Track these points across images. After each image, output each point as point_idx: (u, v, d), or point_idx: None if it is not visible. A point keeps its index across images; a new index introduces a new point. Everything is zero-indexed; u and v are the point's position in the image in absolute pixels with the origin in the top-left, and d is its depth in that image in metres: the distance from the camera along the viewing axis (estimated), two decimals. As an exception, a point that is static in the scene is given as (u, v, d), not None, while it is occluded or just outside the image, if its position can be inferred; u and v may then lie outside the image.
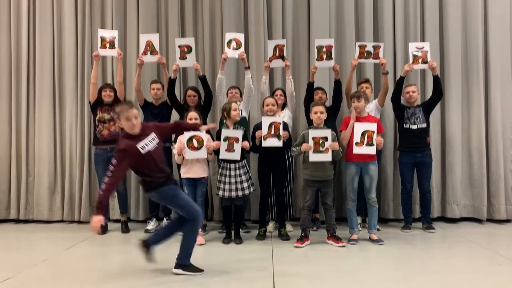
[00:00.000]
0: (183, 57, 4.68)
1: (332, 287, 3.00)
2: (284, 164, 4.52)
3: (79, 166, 5.31)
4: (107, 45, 4.77)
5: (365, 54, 4.67)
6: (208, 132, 4.15)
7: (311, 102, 4.41)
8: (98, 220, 2.82)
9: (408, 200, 4.73)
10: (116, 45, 4.79)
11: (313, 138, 3.95)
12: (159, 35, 4.89)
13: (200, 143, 4.06)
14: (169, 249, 3.56)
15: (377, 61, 4.68)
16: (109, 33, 4.85)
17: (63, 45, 5.44)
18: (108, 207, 4.97)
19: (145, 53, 4.72)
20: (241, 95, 4.82)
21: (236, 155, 4.11)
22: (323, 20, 5.20)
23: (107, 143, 4.73)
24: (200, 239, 4.04)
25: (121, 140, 3.08)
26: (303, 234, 4.09)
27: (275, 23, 5.33)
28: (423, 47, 4.62)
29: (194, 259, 3.30)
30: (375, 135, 4.05)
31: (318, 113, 4.06)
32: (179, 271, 3.23)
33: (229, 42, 4.65)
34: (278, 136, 4.18)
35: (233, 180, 4.18)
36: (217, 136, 4.21)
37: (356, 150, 4.07)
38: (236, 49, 4.65)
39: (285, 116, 4.68)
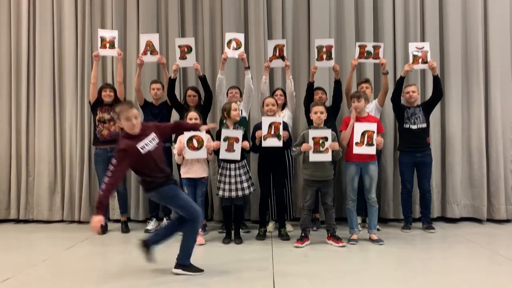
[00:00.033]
0: (183, 57, 4.68)
1: (332, 287, 3.00)
2: (284, 164, 4.52)
3: (79, 166, 5.31)
4: (107, 45, 4.77)
5: (365, 54, 4.67)
6: (208, 132, 4.15)
7: (311, 102, 4.41)
8: (98, 220, 2.82)
9: (408, 200, 4.73)
10: (116, 45, 4.79)
11: (313, 138, 3.95)
12: (159, 35, 4.89)
13: (200, 143, 4.07)
14: (169, 249, 3.56)
15: (377, 61, 4.68)
16: (109, 33, 4.85)
17: (63, 45, 5.44)
18: (108, 207, 4.97)
19: (145, 53, 4.72)
20: (241, 95, 4.82)
21: (236, 155, 4.11)
22: (323, 20, 5.20)
23: (107, 143, 4.73)
24: (200, 239, 4.04)
25: (121, 140, 3.08)
26: (303, 234, 4.09)
27: (275, 23, 5.33)
28: (423, 47, 4.62)
29: (194, 259, 3.29)
30: (375, 135, 4.05)
31: (318, 113, 4.06)
32: (179, 271, 3.23)
33: (229, 42, 4.65)
34: (278, 136, 4.18)
35: (233, 180, 4.18)
36: (217, 136, 4.21)
37: (356, 150, 4.07)
38: (236, 49, 4.65)
39: (285, 116, 4.68)
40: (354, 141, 4.07)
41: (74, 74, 5.40)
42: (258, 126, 4.28)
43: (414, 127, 4.57)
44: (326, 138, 3.95)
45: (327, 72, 5.05)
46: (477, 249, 3.94)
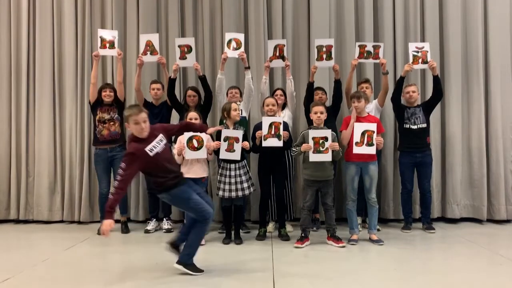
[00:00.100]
0: (183, 57, 4.68)
1: (332, 287, 3.00)
2: (284, 164, 4.52)
3: (79, 166, 5.31)
4: (107, 45, 4.76)
5: (365, 54, 4.67)
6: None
7: (311, 102, 4.41)
8: (108, 223, 2.88)
9: (408, 200, 4.72)
10: (116, 45, 4.79)
11: (313, 138, 3.95)
12: (159, 35, 4.89)
13: (200, 143, 4.06)
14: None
15: (377, 61, 4.68)
16: (109, 33, 4.85)
17: (63, 45, 5.44)
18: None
19: (145, 53, 4.72)
20: (241, 95, 4.82)
21: (236, 155, 4.11)
22: (323, 20, 5.19)
23: (107, 143, 4.73)
24: None
25: (130, 143, 3.12)
26: (303, 235, 4.09)
27: (275, 23, 5.33)
28: (423, 47, 4.62)
29: (194, 259, 3.29)
30: (375, 135, 4.05)
31: (318, 113, 4.06)
32: (180, 267, 3.24)
33: (229, 42, 4.65)
34: (278, 136, 4.18)
35: (233, 180, 4.18)
36: (217, 136, 4.21)
37: (356, 150, 4.06)
38: (236, 49, 4.65)
39: (285, 116, 4.68)
40: (354, 141, 4.07)
41: (74, 74, 5.40)
42: (258, 126, 4.28)
43: (414, 127, 4.57)
44: (326, 138, 3.95)
45: (327, 72, 5.05)
46: (477, 249, 3.94)
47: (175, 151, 4.11)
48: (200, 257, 3.34)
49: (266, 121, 4.19)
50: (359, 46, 4.70)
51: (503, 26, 5.14)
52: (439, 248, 4.08)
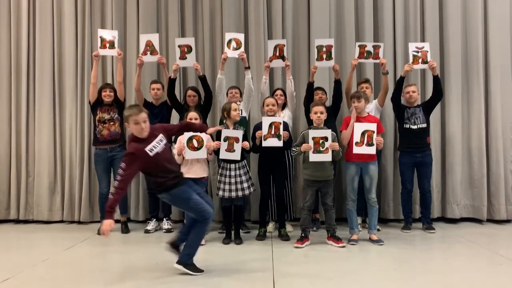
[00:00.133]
0: (183, 57, 4.68)
1: (332, 287, 3.00)
2: (284, 164, 4.52)
3: (79, 166, 5.31)
4: (107, 45, 4.76)
5: (365, 54, 4.67)
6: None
7: (311, 102, 4.41)
8: (109, 223, 2.88)
9: (408, 200, 4.72)
10: (116, 45, 4.79)
11: (313, 138, 3.95)
12: (159, 35, 4.89)
13: (200, 143, 4.06)
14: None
15: (377, 61, 4.68)
16: (109, 33, 4.85)
17: (63, 45, 5.44)
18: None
19: (145, 53, 4.72)
20: (241, 95, 4.82)
21: (236, 155, 4.11)
22: (323, 20, 5.19)
23: (107, 143, 4.73)
24: None
25: (130, 143, 3.12)
26: (303, 235, 4.09)
27: (275, 23, 5.33)
28: (423, 47, 4.62)
29: (194, 259, 3.29)
30: (375, 135, 4.05)
31: (318, 113, 4.06)
32: (180, 267, 3.24)
33: (229, 42, 4.65)
34: (279, 136, 4.18)
35: (233, 180, 4.18)
36: (217, 136, 4.21)
37: (356, 150, 4.06)
38: (236, 49, 4.65)
39: (285, 116, 4.68)
40: (354, 141, 4.07)
41: (74, 74, 5.40)
42: (258, 126, 4.28)
43: (414, 127, 4.57)
44: (326, 138, 3.95)
45: (327, 72, 5.05)
46: (477, 249, 3.94)
47: (175, 151, 4.11)
48: (200, 257, 3.34)
49: (266, 121, 4.19)
50: (359, 46, 4.70)
51: (503, 26, 5.14)
52: (439, 248, 4.08)
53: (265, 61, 4.81)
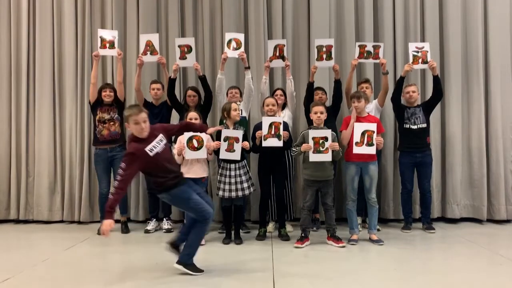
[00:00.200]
0: (183, 57, 4.68)
1: (332, 287, 3.00)
2: (284, 164, 4.52)
3: (79, 166, 5.31)
4: (107, 45, 4.76)
5: (365, 54, 4.67)
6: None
7: (311, 102, 4.41)
8: (108, 223, 2.88)
9: (408, 200, 4.72)
10: (116, 45, 4.79)
11: (313, 138, 3.95)
12: (159, 35, 4.89)
13: (200, 143, 4.06)
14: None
15: (377, 61, 4.68)
16: (109, 33, 4.85)
17: (63, 45, 5.44)
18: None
19: (145, 53, 4.72)
20: (241, 95, 4.82)
21: (236, 155, 4.11)
22: (323, 20, 5.19)
23: (107, 143, 4.73)
24: None
25: (130, 143, 3.12)
26: (303, 235, 4.09)
27: (275, 23, 5.33)
28: (423, 47, 4.62)
29: (194, 259, 3.29)
30: (375, 135, 4.05)
31: (318, 113, 4.06)
32: (180, 267, 3.24)
33: (229, 42, 4.65)
34: (279, 136, 4.18)
35: (233, 180, 4.18)
36: (217, 136, 4.21)
37: (356, 150, 4.06)
38: (236, 49, 4.65)
39: (285, 116, 4.68)
40: (354, 141, 4.07)
41: (74, 74, 5.40)
42: (258, 126, 4.28)
43: (414, 127, 4.57)
44: (326, 138, 3.95)
45: (327, 72, 5.05)
46: (477, 249, 3.94)
47: (175, 151, 4.11)
48: (200, 257, 3.34)
49: (266, 121, 4.19)
50: (359, 46, 4.70)
51: (503, 26, 5.14)
52: (439, 248, 4.08)
53: (265, 61, 4.81)
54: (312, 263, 3.55)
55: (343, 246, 4.00)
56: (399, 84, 4.61)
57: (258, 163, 4.49)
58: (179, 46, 4.69)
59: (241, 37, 4.70)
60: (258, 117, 4.90)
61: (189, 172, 4.15)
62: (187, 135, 4.01)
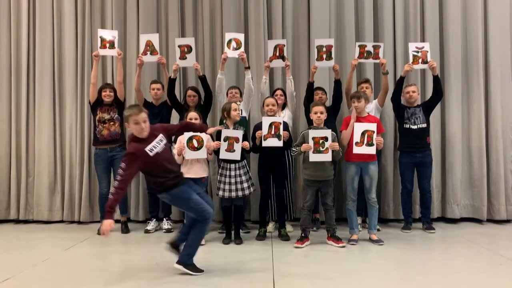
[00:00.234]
0: (183, 57, 4.68)
1: (332, 287, 3.00)
2: (284, 164, 4.52)
3: (79, 166, 5.31)
4: (107, 45, 4.76)
5: (365, 54, 4.67)
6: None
7: (311, 102, 4.41)
8: (109, 223, 2.89)
9: (408, 200, 4.72)
10: (116, 45, 4.79)
11: (313, 138, 3.95)
12: (159, 35, 4.88)
13: (200, 143, 4.07)
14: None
15: (377, 61, 4.68)
16: (109, 33, 4.85)
17: (63, 45, 5.44)
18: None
19: (145, 53, 4.72)
20: (241, 95, 4.82)
21: (236, 155, 4.11)
22: (323, 20, 5.19)
23: (107, 143, 4.73)
24: None
25: (129, 143, 3.12)
26: (303, 235, 4.09)
27: (275, 23, 5.33)
28: (423, 47, 4.62)
29: (194, 259, 3.29)
30: (375, 135, 4.05)
31: (318, 113, 4.06)
32: (180, 267, 3.24)
33: (229, 42, 4.65)
34: (279, 136, 4.18)
35: (233, 180, 4.18)
36: (217, 136, 4.21)
37: (356, 150, 4.06)
38: (236, 49, 4.65)
39: (285, 116, 4.68)
40: (354, 141, 4.07)
41: (74, 74, 5.40)
42: (259, 126, 4.28)
43: (414, 127, 4.57)
44: (326, 138, 3.96)
45: (327, 72, 5.05)
46: (477, 249, 3.94)
47: (175, 151, 4.11)
48: (200, 257, 3.34)
49: (266, 121, 4.19)
50: (359, 46, 4.70)
51: (503, 26, 5.14)
52: (439, 248, 4.08)
53: (265, 61, 4.81)
54: (312, 263, 3.55)
55: (343, 246, 4.00)
56: (399, 84, 4.61)
57: (258, 163, 4.49)
58: (179, 46, 4.69)
59: (241, 37, 4.70)
60: (258, 117, 4.90)
61: (189, 172, 4.15)
62: (187, 135, 4.01)
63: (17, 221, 5.41)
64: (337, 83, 4.63)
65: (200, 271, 3.25)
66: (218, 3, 5.37)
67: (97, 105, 4.76)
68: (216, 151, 4.14)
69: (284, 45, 4.71)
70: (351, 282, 3.07)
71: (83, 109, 5.34)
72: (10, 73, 5.47)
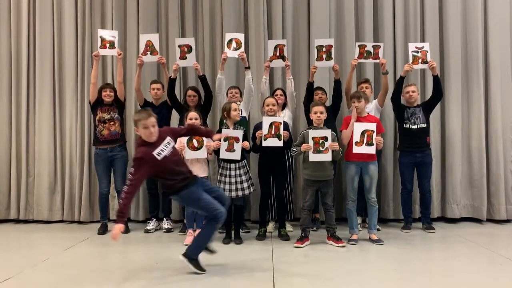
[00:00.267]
0: (183, 57, 4.68)
1: (332, 287, 3.00)
2: (284, 164, 4.52)
3: (79, 166, 5.31)
4: (107, 45, 4.76)
5: (365, 54, 4.67)
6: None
7: (311, 102, 4.41)
8: (119, 228, 2.92)
9: (408, 200, 4.72)
10: (116, 45, 4.79)
11: (313, 138, 3.96)
12: (159, 35, 4.88)
13: (200, 143, 4.07)
14: (169, 249, 3.56)
15: (377, 61, 4.68)
16: (109, 33, 4.85)
17: (63, 45, 5.44)
18: (108, 207, 4.97)
19: (145, 53, 4.72)
20: (241, 95, 4.82)
21: (236, 155, 4.11)
22: (323, 20, 5.20)
23: (107, 143, 4.73)
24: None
25: (137, 148, 3.13)
26: (303, 234, 4.09)
27: (275, 23, 5.33)
28: (422, 47, 4.62)
29: (199, 257, 3.30)
30: (374, 135, 4.05)
31: (318, 113, 4.06)
32: (185, 260, 3.25)
33: (229, 42, 4.65)
34: (279, 136, 4.18)
35: (233, 180, 4.18)
36: (217, 136, 4.21)
37: (356, 149, 4.07)
38: (236, 49, 4.65)
39: (285, 116, 4.68)
40: (354, 141, 4.07)
41: (74, 74, 5.40)
42: (259, 126, 4.28)
43: (414, 127, 4.57)
44: (326, 138, 3.96)
45: (327, 72, 5.05)
46: (477, 249, 3.94)
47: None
48: (200, 257, 3.34)
49: (266, 121, 4.19)
50: (359, 46, 4.70)
51: (503, 26, 5.15)
52: (439, 248, 4.08)
53: (265, 61, 4.81)
54: (312, 263, 3.55)
55: (343, 246, 4.00)
56: (399, 84, 4.61)
57: (258, 163, 4.49)
58: (179, 46, 4.69)
59: (241, 37, 4.70)
60: (258, 117, 4.91)
61: (189, 172, 4.16)
62: (187, 134, 4.01)
63: (17, 221, 5.41)
64: (337, 83, 4.63)
65: (203, 270, 3.25)
66: (218, 3, 5.37)
67: (97, 105, 4.76)
68: (216, 151, 4.15)
69: (284, 45, 4.71)
70: (351, 282, 3.06)
71: (83, 109, 5.34)
72: (10, 73, 5.47)
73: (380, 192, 5.07)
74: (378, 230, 4.49)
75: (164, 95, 4.82)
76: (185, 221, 4.55)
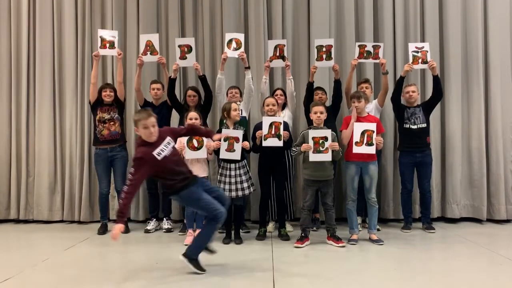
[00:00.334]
0: (183, 57, 4.68)
1: (332, 287, 3.00)
2: (284, 164, 4.52)
3: (79, 166, 5.31)
4: (107, 45, 4.76)
5: (365, 54, 4.67)
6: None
7: (311, 102, 4.41)
8: (119, 228, 2.92)
9: (408, 200, 4.73)
10: (116, 45, 4.79)
11: (313, 138, 3.96)
12: (159, 35, 4.88)
13: (200, 143, 4.07)
14: (169, 249, 3.55)
15: (377, 61, 4.68)
16: (109, 33, 4.85)
17: (63, 45, 5.44)
18: (108, 207, 4.97)
19: (145, 53, 4.72)
20: (241, 95, 4.82)
21: (236, 155, 4.11)
22: (323, 20, 5.20)
23: (107, 143, 4.73)
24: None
25: (137, 148, 3.13)
26: (303, 234, 4.08)
27: (275, 23, 5.33)
28: (422, 47, 4.62)
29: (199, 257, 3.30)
30: (374, 135, 4.05)
31: (318, 113, 4.06)
32: (185, 260, 3.25)
33: (229, 42, 4.65)
34: (279, 136, 4.18)
35: (233, 180, 4.18)
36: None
37: (356, 149, 4.07)
38: (236, 49, 4.65)
39: (285, 116, 4.68)
40: (354, 141, 4.07)
41: (74, 74, 5.40)
42: (259, 126, 4.29)
43: (414, 127, 4.57)
44: (326, 138, 3.96)
45: (327, 72, 5.05)
46: (477, 249, 3.94)
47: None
48: (200, 257, 3.34)
49: (266, 121, 4.19)
50: (359, 46, 4.70)
51: (503, 26, 5.15)
52: (439, 248, 4.08)
53: (265, 61, 4.81)
54: (312, 263, 3.55)
55: (343, 246, 4.00)
56: (399, 84, 4.61)
57: (258, 163, 4.50)
58: (179, 46, 4.69)
59: (241, 37, 4.70)
60: (258, 117, 4.91)
61: (189, 172, 4.16)
62: (187, 134, 4.01)
63: (17, 221, 5.41)
64: (337, 83, 4.63)
65: (203, 270, 3.25)
66: (218, 3, 5.37)
67: (97, 105, 4.76)
68: (216, 151, 4.15)
69: (284, 45, 4.71)
70: (351, 282, 3.06)
71: (83, 109, 5.34)
72: (10, 73, 5.47)
73: (380, 192, 5.07)
74: (378, 230, 4.49)
75: (164, 95, 4.82)
76: (185, 221, 4.55)
